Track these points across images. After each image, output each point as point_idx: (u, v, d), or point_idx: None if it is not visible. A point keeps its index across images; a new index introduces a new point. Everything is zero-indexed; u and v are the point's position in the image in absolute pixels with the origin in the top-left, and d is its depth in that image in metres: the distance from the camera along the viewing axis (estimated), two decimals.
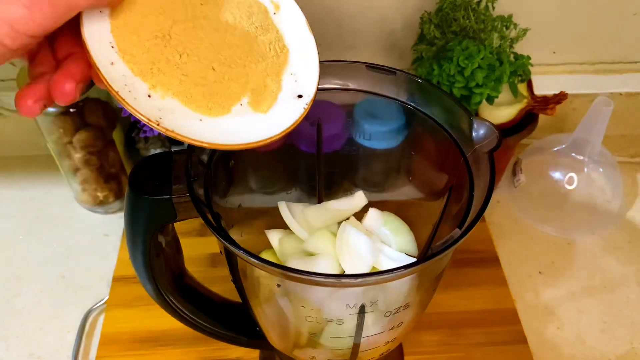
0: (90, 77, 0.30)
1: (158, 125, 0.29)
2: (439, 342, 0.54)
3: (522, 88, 0.61)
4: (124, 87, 0.29)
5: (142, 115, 0.29)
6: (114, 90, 0.29)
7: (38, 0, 0.24)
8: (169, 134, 0.29)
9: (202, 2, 0.33)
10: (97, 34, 0.29)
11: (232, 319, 0.47)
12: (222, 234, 0.33)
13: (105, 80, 0.28)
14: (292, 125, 0.33)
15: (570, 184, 0.65)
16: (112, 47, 0.29)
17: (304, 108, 0.34)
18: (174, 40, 0.31)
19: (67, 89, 0.28)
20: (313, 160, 0.44)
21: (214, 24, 0.33)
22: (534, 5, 0.64)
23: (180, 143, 0.30)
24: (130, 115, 0.53)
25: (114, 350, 0.54)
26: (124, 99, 0.29)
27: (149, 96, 0.30)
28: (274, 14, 0.36)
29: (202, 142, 0.30)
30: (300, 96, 0.35)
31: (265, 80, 0.34)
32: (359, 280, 0.32)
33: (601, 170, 0.65)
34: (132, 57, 0.30)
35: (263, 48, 0.35)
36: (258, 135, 0.32)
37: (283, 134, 0.33)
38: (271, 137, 0.32)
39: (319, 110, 0.40)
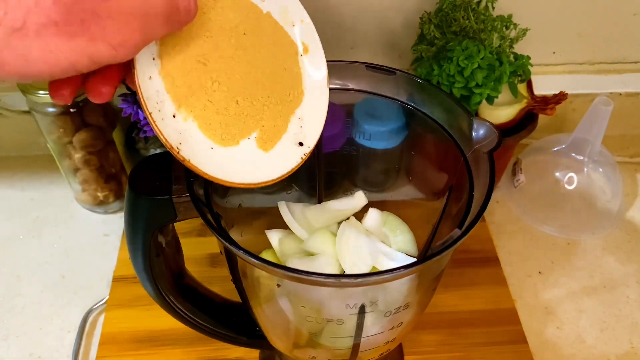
0: (123, 77, 0.31)
1: (178, 153, 0.30)
2: (438, 342, 0.54)
3: (521, 88, 0.61)
4: (156, 105, 0.30)
5: (165, 138, 0.30)
6: (148, 111, 0.30)
7: (125, 42, 0.25)
8: (185, 163, 0.31)
9: (246, 31, 0.33)
10: (144, 51, 0.30)
11: (232, 319, 0.47)
12: (222, 234, 0.33)
13: (143, 99, 0.29)
14: (287, 172, 0.34)
15: (570, 184, 0.65)
16: (153, 59, 0.30)
17: (302, 157, 0.35)
18: (210, 65, 0.32)
19: (105, 91, 0.30)
20: (313, 160, 0.44)
21: (249, 57, 0.33)
22: (534, 5, 0.64)
23: None
24: (131, 115, 0.54)
25: (114, 350, 0.54)
26: (154, 120, 0.30)
27: (174, 116, 0.31)
28: (301, 55, 0.36)
29: (209, 176, 0.32)
30: (301, 144, 0.35)
31: (277, 120, 0.35)
32: (359, 280, 0.32)
33: (601, 170, 0.65)
34: (167, 73, 0.30)
35: (284, 92, 0.35)
36: (257, 176, 0.34)
37: (278, 179, 0.34)
38: (268, 181, 0.34)
39: None
